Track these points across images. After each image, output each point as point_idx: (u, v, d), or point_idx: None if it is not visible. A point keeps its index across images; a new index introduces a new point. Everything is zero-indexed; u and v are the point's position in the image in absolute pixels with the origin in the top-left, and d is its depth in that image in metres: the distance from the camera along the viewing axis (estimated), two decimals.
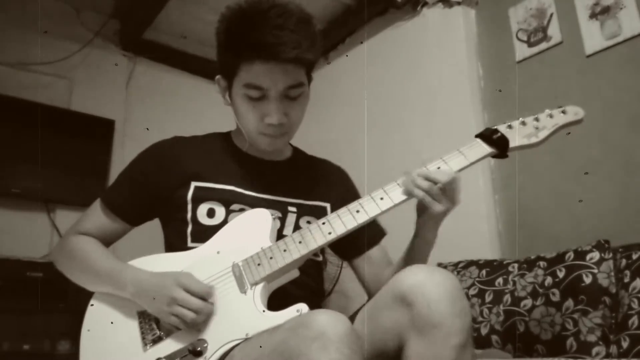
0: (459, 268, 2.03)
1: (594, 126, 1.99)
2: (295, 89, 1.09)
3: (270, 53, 1.02)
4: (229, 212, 1.12)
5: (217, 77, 1.16)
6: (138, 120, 3.10)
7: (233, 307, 0.99)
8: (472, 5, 2.62)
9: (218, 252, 1.06)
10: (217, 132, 1.29)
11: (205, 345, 0.95)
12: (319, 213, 1.17)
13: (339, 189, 1.27)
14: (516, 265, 1.86)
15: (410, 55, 2.78)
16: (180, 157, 1.17)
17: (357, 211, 1.03)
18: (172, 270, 1.04)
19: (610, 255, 1.65)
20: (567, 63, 2.20)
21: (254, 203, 1.12)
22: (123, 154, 2.88)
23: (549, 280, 1.70)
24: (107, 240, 1.19)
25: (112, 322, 1.07)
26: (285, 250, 1.01)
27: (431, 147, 2.48)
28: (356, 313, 1.01)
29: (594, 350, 1.55)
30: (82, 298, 1.15)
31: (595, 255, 1.65)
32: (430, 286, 0.86)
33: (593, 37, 2.11)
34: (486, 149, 1.06)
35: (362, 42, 3.09)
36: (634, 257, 1.62)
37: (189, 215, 1.12)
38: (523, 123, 1.08)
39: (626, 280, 1.60)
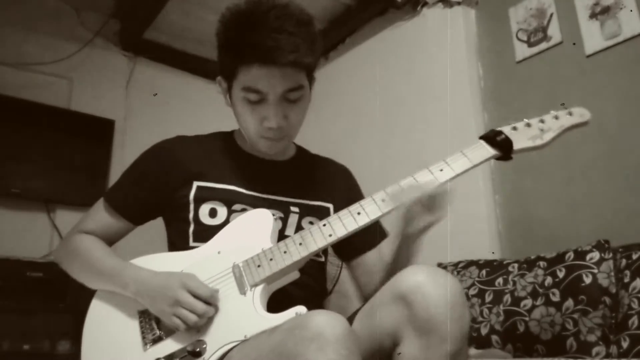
0: (459, 268, 2.03)
1: (594, 126, 1.98)
2: (295, 92, 1.08)
3: (268, 57, 1.01)
4: (230, 212, 1.12)
5: (218, 78, 1.16)
6: (138, 120, 3.10)
7: (232, 309, 0.98)
8: (472, 5, 2.62)
9: (219, 252, 1.06)
10: (220, 131, 1.29)
11: (204, 346, 0.96)
12: (322, 213, 1.17)
13: (342, 189, 1.26)
14: (516, 265, 1.86)
15: (410, 55, 2.78)
16: (183, 157, 1.17)
17: (359, 213, 1.02)
18: (172, 269, 1.05)
19: (610, 255, 1.65)
20: (567, 63, 2.20)
21: (256, 203, 1.12)
22: (123, 154, 2.88)
23: (549, 280, 1.70)
24: (110, 239, 1.19)
25: (113, 321, 1.07)
26: (285, 252, 1.01)
27: (431, 146, 2.48)
28: (356, 313, 1.01)
29: (594, 350, 1.55)
30: (81, 298, 1.15)
31: (595, 255, 1.65)
32: (431, 288, 0.85)
33: (593, 37, 2.11)
34: (490, 151, 1.04)
35: (362, 42, 3.09)
36: (634, 257, 1.62)
37: (191, 215, 1.12)
38: (528, 125, 1.06)
39: (626, 280, 1.60)
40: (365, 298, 1.13)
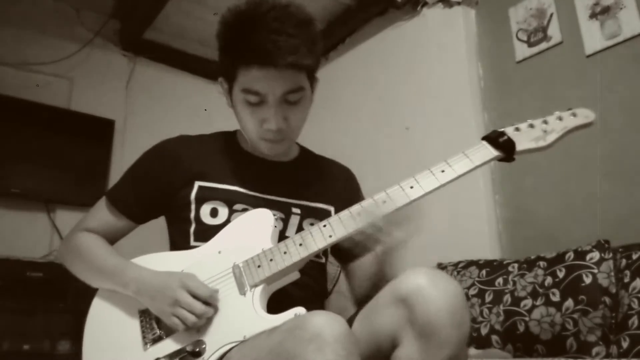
0: (459, 268, 2.03)
1: (594, 126, 1.98)
2: (294, 93, 1.07)
3: (267, 59, 1.00)
4: (232, 212, 1.12)
5: (220, 79, 1.16)
6: (138, 120, 3.10)
7: (232, 309, 0.98)
8: (472, 5, 2.62)
9: (219, 252, 1.06)
10: (222, 131, 1.28)
11: (204, 346, 0.96)
12: (323, 216, 1.16)
13: (344, 191, 1.25)
14: (516, 265, 1.86)
15: (410, 55, 2.78)
16: (185, 157, 1.17)
17: (359, 214, 1.02)
18: (173, 269, 1.05)
19: (610, 255, 1.66)
20: (567, 63, 2.20)
21: (257, 203, 1.12)
22: (123, 154, 2.89)
23: (549, 280, 1.70)
24: (112, 238, 1.20)
25: (114, 319, 1.07)
26: (285, 253, 1.01)
27: (431, 146, 2.48)
28: (356, 314, 1.01)
29: (594, 350, 1.55)
30: (82, 298, 1.16)
31: (595, 255, 1.65)
32: (432, 291, 0.85)
33: (593, 37, 2.11)
34: (492, 152, 1.02)
35: (362, 42, 3.09)
36: (634, 257, 1.62)
37: (192, 214, 1.12)
38: (531, 126, 1.04)
39: (626, 280, 1.60)
40: (359, 302, 1.12)
